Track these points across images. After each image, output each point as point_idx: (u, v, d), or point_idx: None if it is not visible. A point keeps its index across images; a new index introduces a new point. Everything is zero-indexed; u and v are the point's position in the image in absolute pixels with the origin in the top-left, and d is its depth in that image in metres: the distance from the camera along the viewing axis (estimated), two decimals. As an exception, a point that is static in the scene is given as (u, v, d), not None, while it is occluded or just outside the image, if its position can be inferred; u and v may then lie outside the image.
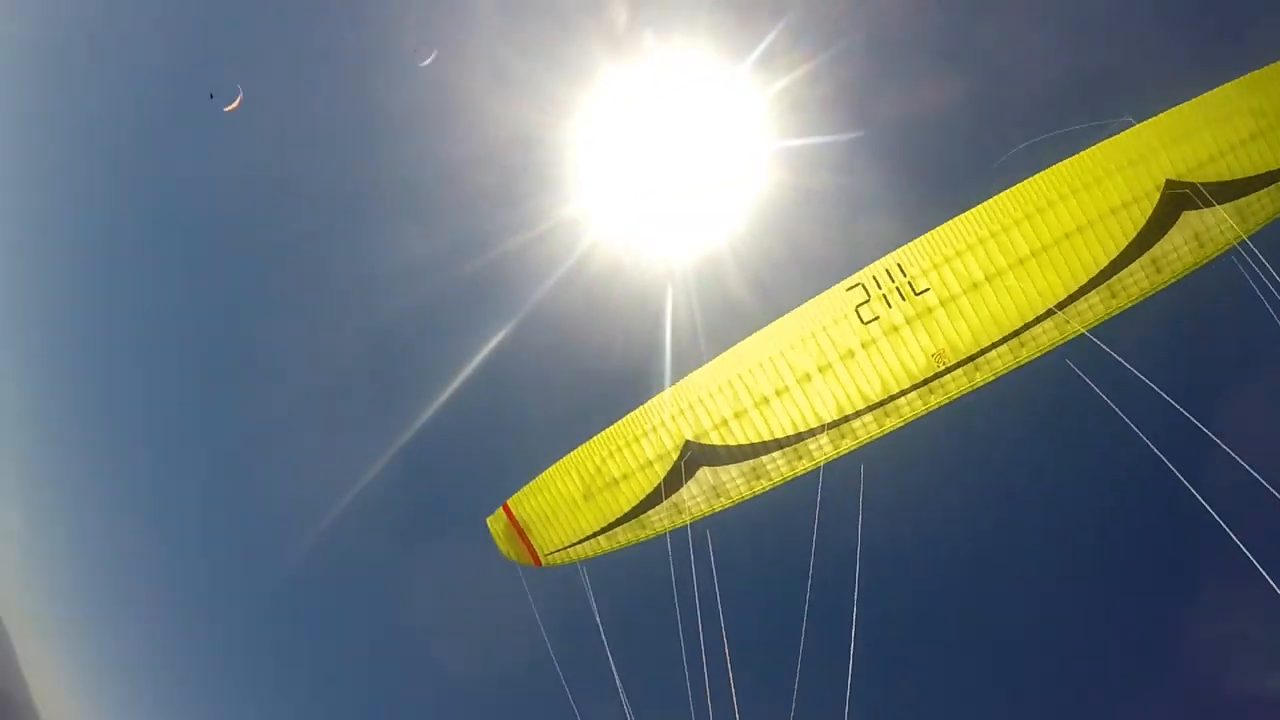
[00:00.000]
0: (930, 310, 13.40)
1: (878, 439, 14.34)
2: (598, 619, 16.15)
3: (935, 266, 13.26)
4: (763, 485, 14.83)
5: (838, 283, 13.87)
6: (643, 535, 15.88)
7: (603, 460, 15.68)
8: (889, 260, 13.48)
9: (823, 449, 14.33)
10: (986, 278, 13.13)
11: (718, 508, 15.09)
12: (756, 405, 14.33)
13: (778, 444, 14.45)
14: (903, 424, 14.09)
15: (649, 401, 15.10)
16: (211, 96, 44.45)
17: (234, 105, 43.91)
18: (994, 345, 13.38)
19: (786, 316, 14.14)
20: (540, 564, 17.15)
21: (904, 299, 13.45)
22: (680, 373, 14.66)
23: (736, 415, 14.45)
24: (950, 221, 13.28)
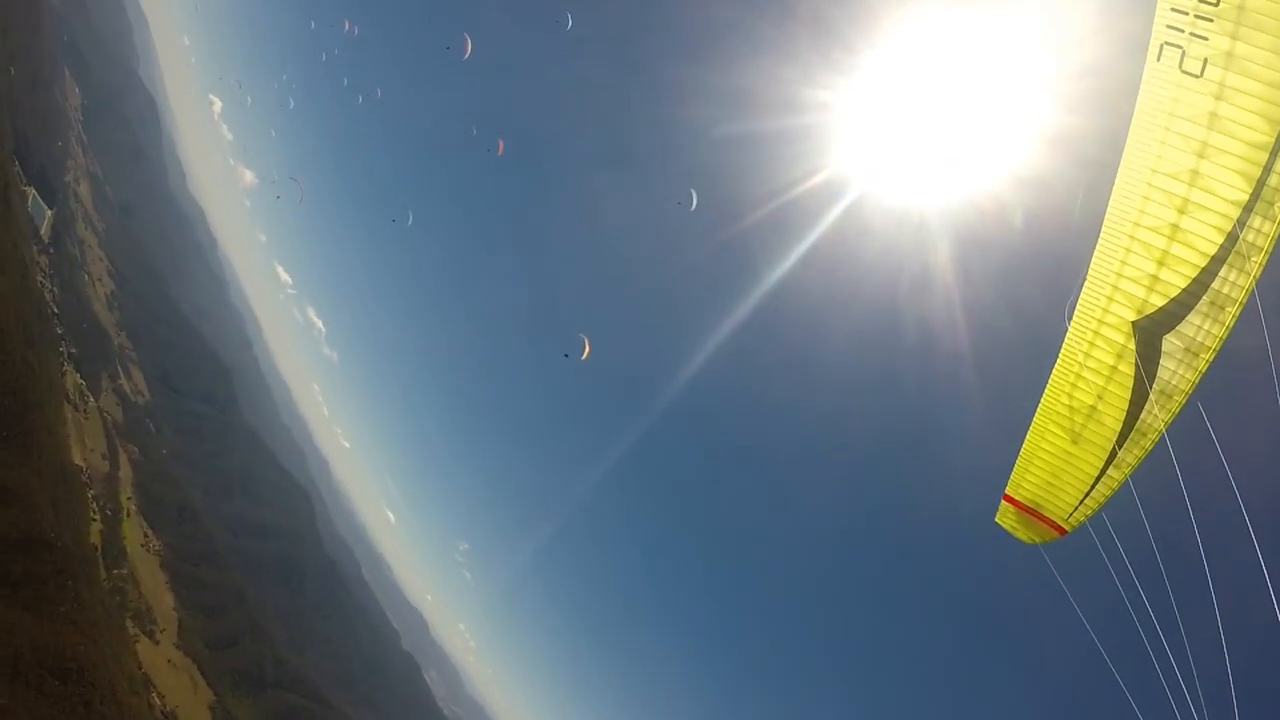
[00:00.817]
0: (1241, 6, 10.68)
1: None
2: (1132, 574, 15.28)
3: (1206, -41, 10.69)
4: (1230, 314, 12.49)
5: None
6: (1148, 444, 14.35)
7: (1069, 396, 14.84)
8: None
9: (1261, 231, 11.69)
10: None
11: (1203, 368, 13.17)
12: (1171, 238, 12.48)
13: (1218, 260, 12.23)
14: None
15: (1074, 313, 14.21)
16: (566, 356, 54.41)
17: (586, 354, 52.24)
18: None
19: (1128, 141, 12.50)
20: (1066, 531, 16.09)
21: (1210, 20, 10.97)
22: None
23: (1161, 262, 12.74)
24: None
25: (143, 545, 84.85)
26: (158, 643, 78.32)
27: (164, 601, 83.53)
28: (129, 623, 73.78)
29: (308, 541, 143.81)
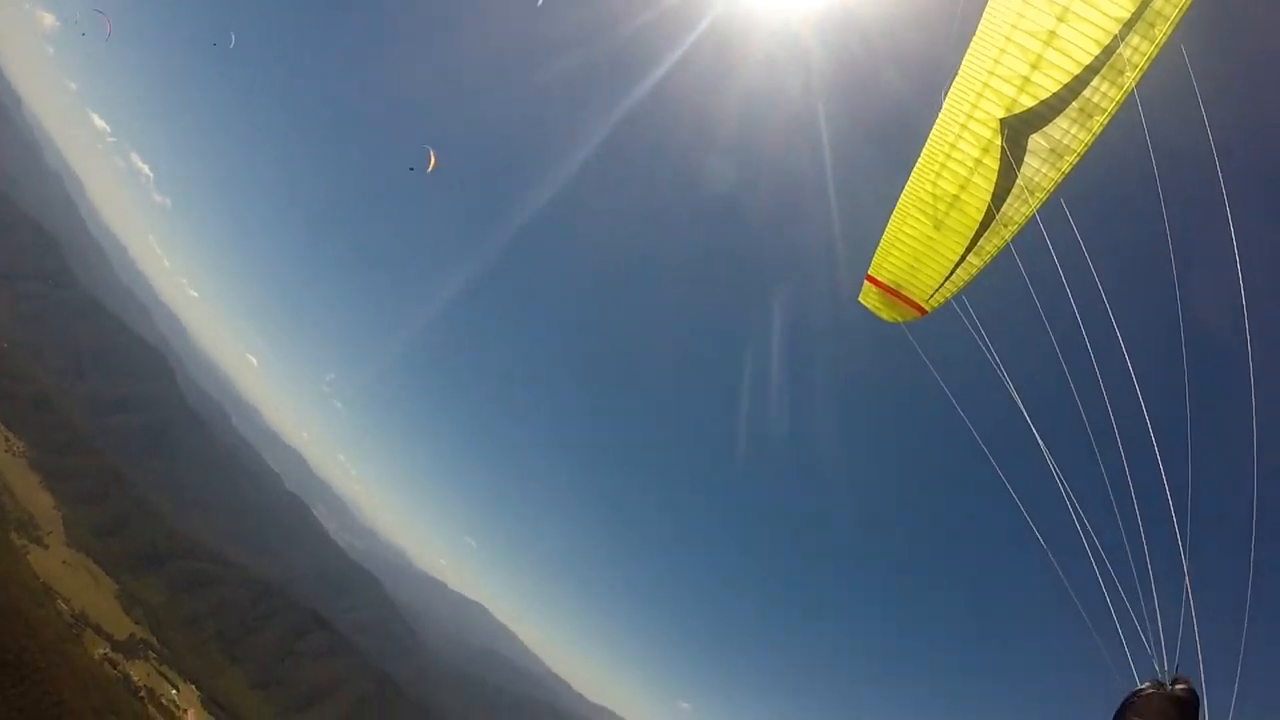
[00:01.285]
0: None
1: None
2: (994, 357, 15.64)
3: None
4: (1099, 122, 12.99)
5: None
6: (1008, 235, 15.06)
7: (933, 184, 15.26)
8: None
9: (1139, 50, 12.06)
10: None
11: (1067, 169, 13.76)
12: (1047, 44, 12.70)
13: (1092, 70, 12.58)
14: None
15: (944, 105, 14.27)
16: (411, 169, 52.10)
17: (431, 166, 50.02)
18: None
19: None
20: (927, 312, 17.04)
21: None
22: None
23: (1034, 65, 12.99)
24: None
25: (6, 450, 79.98)
26: (47, 547, 75.55)
27: (42, 502, 79.91)
28: (14, 535, 70.56)
29: (170, 404, 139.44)
